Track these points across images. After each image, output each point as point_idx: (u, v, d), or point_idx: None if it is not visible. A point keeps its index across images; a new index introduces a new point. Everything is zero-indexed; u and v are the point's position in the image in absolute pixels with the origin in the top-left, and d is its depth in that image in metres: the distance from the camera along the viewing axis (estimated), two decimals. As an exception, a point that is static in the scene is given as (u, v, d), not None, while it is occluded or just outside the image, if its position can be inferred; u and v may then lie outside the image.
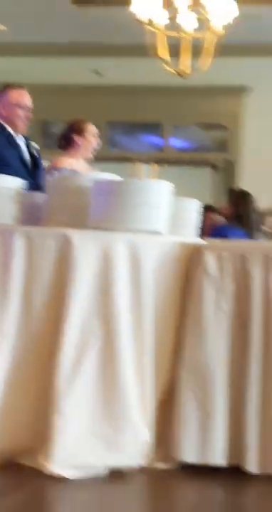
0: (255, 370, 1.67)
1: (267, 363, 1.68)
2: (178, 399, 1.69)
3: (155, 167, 2.12)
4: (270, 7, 4.71)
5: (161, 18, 3.44)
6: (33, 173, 2.62)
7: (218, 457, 1.68)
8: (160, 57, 3.57)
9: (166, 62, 3.60)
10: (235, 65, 5.52)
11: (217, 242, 2.29)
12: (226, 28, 3.46)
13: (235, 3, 3.42)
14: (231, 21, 3.42)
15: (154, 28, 3.43)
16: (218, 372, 1.68)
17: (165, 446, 1.69)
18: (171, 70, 3.67)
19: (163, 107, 5.89)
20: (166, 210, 1.83)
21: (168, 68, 3.64)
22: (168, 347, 1.75)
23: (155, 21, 3.42)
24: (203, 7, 3.38)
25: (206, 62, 3.58)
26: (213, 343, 1.70)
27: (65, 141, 2.94)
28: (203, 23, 3.52)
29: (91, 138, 2.94)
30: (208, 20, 3.45)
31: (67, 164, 2.80)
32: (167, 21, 3.49)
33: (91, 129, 2.95)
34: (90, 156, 2.96)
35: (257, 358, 1.67)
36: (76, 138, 2.89)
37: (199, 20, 3.48)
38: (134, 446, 1.63)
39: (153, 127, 6.53)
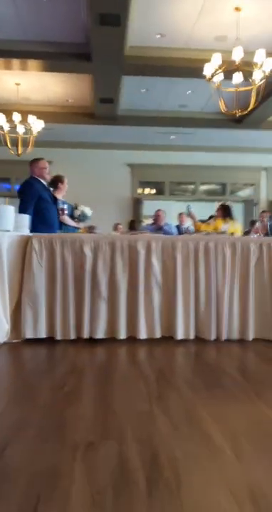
0: (59, 291, 3.68)
1: (65, 288, 3.69)
2: (23, 307, 3.60)
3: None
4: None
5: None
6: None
7: (43, 333, 3.64)
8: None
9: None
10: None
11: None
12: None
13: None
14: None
15: None
16: (40, 293, 3.64)
17: (17, 330, 3.60)
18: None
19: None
20: (12, 218, 3.72)
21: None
22: (16, 284, 3.64)
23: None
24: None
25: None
26: (37, 281, 3.64)
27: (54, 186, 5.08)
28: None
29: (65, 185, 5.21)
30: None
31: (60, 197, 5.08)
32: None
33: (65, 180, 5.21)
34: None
35: (60, 285, 3.68)
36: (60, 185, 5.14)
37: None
38: (1, 332, 3.48)
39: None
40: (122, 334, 3.71)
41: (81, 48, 6.16)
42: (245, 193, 11.43)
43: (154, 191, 10.93)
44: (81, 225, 5.24)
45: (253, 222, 8.25)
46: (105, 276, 3.74)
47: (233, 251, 3.84)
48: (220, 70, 5.31)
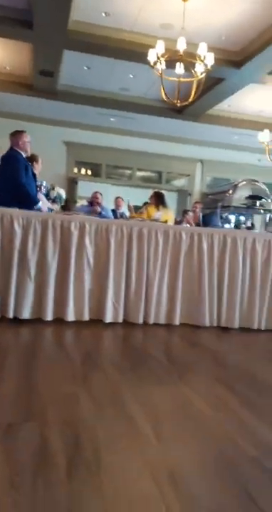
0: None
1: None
2: None
3: None
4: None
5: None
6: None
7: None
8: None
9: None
10: None
11: None
12: None
13: None
14: None
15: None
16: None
17: None
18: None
19: None
20: None
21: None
22: None
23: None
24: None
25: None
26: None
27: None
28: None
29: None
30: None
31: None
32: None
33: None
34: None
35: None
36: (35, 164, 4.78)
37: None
38: None
39: None
40: (49, 315, 3.63)
41: (23, 15, 5.84)
42: (180, 182, 11.65)
43: (90, 172, 10.78)
44: (55, 206, 5.04)
45: (185, 212, 8.44)
46: (34, 255, 3.63)
47: (165, 238, 3.91)
48: (163, 58, 5.31)
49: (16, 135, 4.50)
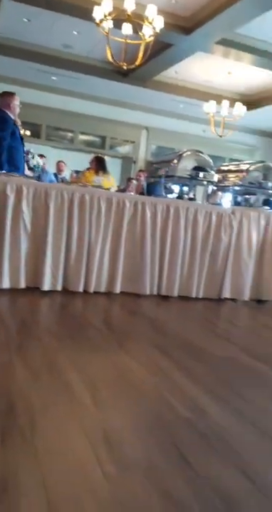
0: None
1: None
2: None
3: None
4: None
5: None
6: None
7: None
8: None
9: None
10: None
11: None
12: None
13: None
14: None
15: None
16: None
17: None
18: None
19: None
20: None
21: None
22: None
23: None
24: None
25: None
26: None
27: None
28: None
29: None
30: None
31: None
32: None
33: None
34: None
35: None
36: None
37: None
38: None
39: None
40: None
41: None
42: (124, 149, 11.50)
43: (28, 133, 10.30)
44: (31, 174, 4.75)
45: (129, 180, 8.37)
46: None
47: (108, 206, 3.83)
48: (110, 17, 5.09)
49: (6, 96, 4.32)
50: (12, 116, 4.30)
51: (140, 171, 8.98)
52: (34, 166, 4.97)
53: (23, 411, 1.62)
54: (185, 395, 1.95)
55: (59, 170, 7.77)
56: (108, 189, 4.48)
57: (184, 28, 6.52)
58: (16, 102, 4.34)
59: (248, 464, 1.46)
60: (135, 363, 2.28)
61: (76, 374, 2.02)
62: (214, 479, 1.35)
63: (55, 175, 7.65)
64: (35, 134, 10.28)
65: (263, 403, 1.99)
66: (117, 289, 3.88)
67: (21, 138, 4.41)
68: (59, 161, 7.88)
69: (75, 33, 7.29)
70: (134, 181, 7.95)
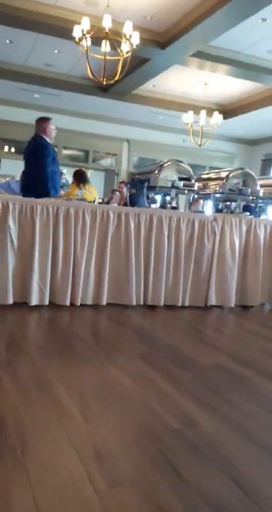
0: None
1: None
2: None
3: None
4: None
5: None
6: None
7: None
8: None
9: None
10: None
11: None
12: None
13: None
14: None
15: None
16: None
17: None
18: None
19: None
20: None
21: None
22: None
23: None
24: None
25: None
26: None
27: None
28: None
29: None
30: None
31: None
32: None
33: None
34: None
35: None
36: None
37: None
38: None
39: None
40: None
41: None
42: (107, 162, 11.59)
43: (13, 150, 10.33)
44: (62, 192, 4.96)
45: (113, 192, 8.44)
46: None
47: (93, 218, 3.87)
48: (89, 35, 5.18)
49: (43, 121, 4.54)
50: (49, 141, 4.51)
51: (122, 182, 9.05)
52: (63, 183, 5.09)
53: (14, 429, 1.62)
54: (174, 405, 1.97)
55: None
56: (92, 201, 4.52)
57: (159, 42, 6.66)
58: (52, 127, 4.55)
59: (239, 471, 1.48)
60: (123, 374, 2.30)
61: (64, 388, 2.03)
62: (205, 489, 1.36)
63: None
64: (21, 151, 10.29)
65: (251, 409, 2.02)
66: (104, 301, 3.90)
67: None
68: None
69: (56, 51, 7.39)
70: (118, 193, 8.03)
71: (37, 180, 4.27)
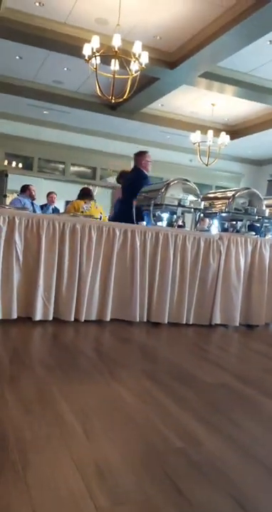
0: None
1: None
2: None
3: None
4: None
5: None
6: None
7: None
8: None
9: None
10: None
11: None
12: None
13: None
14: None
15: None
16: None
17: None
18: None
19: None
20: None
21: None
22: None
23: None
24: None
25: None
26: None
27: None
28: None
29: None
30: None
31: None
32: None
33: None
34: None
35: None
36: None
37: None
38: None
39: None
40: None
41: None
42: (114, 179, 11.67)
43: (21, 165, 10.45)
44: None
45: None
46: None
47: (99, 234, 3.89)
48: (98, 54, 5.29)
49: (142, 155, 5.10)
50: (145, 172, 4.90)
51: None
52: None
53: (16, 445, 1.61)
54: (177, 424, 1.96)
55: (50, 201, 7.86)
56: (98, 218, 4.55)
57: (168, 62, 6.77)
58: (148, 159, 5.08)
59: (241, 491, 1.46)
60: (126, 391, 2.29)
61: (67, 405, 2.03)
62: (207, 508, 1.35)
63: (47, 205, 7.73)
64: (28, 167, 10.45)
65: (254, 429, 2.00)
66: (108, 317, 3.89)
67: None
68: (50, 192, 7.97)
69: (66, 69, 7.52)
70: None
71: (131, 209, 4.67)
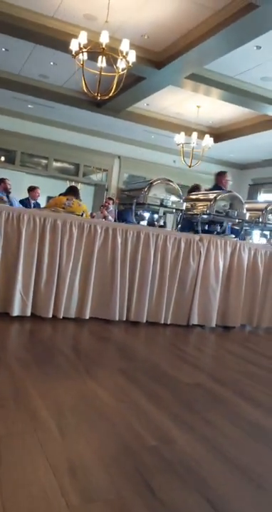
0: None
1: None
2: None
3: None
4: None
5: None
6: None
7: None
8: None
9: None
10: None
11: None
12: None
13: None
14: None
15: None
16: None
17: None
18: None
19: None
20: None
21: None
22: None
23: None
24: None
25: None
26: None
27: None
28: None
29: None
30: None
31: None
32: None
33: None
34: None
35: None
36: None
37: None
38: None
39: None
40: None
41: None
42: (97, 177, 11.63)
43: (3, 159, 10.30)
44: None
45: (103, 207, 8.47)
46: None
47: (80, 231, 3.88)
48: (85, 50, 5.25)
49: (221, 175, 5.62)
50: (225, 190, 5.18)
51: (109, 198, 9.10)
52: None
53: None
54: (151, 422, 1.97)
55: (33, 196, 7.77)
56: (81, 215, 4.53)
57: (155, 62, 6.77)
58: (228, 179, 5.58)
59: (213, 490, 1.48)
60: (102, 389, 2.29)
61: (43, 401, 2.01)
62: (179, 508, 1.36)
63: (28, 200, 7.65)
64: (10, 160, 10.31)
65: (227, 429, 2.02)
66: (87, 315, 3.88)
67: None
68: (34, 187, 7.87)
69: (52, 63, 7.45)
70: (110, 207, 8.10)
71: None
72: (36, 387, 2.18)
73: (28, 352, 2.83)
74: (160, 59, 6.71)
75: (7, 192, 6.62)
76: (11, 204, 6.32)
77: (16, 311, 3.60)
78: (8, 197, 6.50)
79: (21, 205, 6.93)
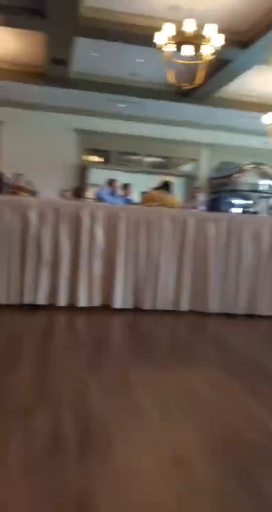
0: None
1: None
2: None
3: None
4: None
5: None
6: None
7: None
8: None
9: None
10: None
11: None
12: None
13: None
14: None
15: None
16: None
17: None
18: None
19: None
20: None
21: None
22: None
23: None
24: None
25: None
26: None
27: None
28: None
29: None
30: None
31: None
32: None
33: None
34: None
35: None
36: None
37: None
38: None
39: None
40: (62, 301, 3.72)
41: (35, 4, 5.81)
42: (187, 167, 11.56)
43: (101, 159, 10.77)
44: None
45: (192, 197, 8.42)
46: (48, 242, 3.71)
47: (173, 224, 3.92)
48: (172, 41, 5.24)
49: None
50: None
51: (197, 187, 8.93)
52: None
53: (98, 428, 1.72)
54: (252, 416, 1.95)
55: (126, 193, 7.98)
56: (172, 206, 4.57)
57: (241, 42, 6.53)
58: None
59: None
60: (202, 382, 2.31)
61: (146, 392, 2.09)
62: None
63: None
64: (107, 160, 10.78)
65: None
66: (184, 307, 3.92)
67: None
68: (126, 184, 8.09)
69: (140, 60, 7.58)
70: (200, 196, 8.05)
71: None
72: (140, 378, 2.27)
73: (131, 344, 2.96)
74: (246, 38, 6.46)
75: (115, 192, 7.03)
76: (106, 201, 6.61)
77: (118, 303, 3.77)
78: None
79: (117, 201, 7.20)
